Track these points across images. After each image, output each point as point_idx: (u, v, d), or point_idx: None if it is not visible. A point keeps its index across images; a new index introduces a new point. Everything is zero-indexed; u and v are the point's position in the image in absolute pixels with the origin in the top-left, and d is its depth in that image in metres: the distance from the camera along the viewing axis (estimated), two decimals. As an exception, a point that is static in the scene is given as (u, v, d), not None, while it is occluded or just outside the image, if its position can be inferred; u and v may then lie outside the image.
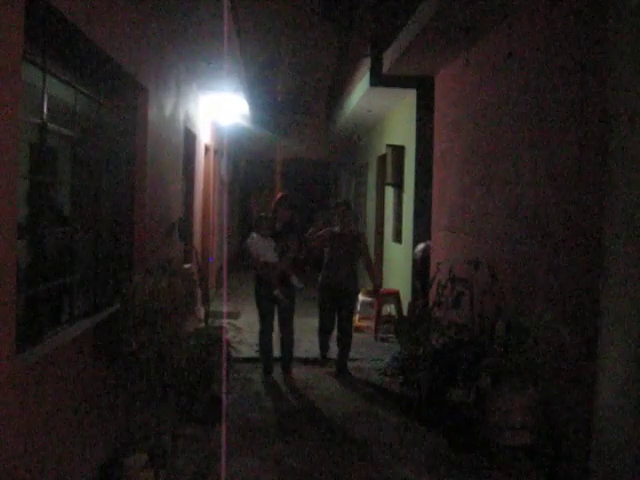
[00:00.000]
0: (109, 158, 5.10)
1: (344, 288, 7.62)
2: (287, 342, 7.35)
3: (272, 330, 7.29)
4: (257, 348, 7.54)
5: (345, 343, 7.64)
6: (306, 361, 7.96)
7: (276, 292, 7.02)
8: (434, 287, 6.38)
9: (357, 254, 7.75)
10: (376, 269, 7.72)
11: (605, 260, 3.85)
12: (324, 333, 7.83)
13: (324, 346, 7.91)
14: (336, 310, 7.67)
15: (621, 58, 3.77)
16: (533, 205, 5.13)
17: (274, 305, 7.17)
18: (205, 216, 10.79)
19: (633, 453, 3.79)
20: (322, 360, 7.91)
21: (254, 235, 7.17)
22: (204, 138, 10.13)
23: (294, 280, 7.11)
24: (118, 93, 5.27)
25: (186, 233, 8.25)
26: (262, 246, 7.09)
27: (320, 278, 7.76)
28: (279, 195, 7.65)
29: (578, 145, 4.40)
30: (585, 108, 4.32)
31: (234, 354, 6.14)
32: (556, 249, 4.70)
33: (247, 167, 19.64)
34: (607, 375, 3.85)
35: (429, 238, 8.61)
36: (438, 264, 6.75)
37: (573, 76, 4.51)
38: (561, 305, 4.57)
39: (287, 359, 7.40)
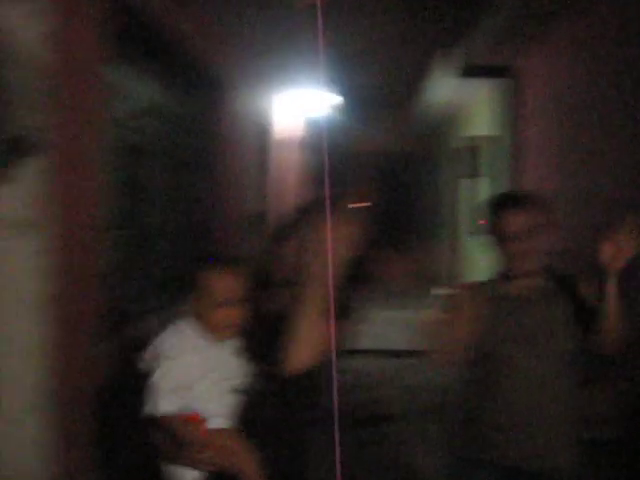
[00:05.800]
0: (190, 155, 5.18)
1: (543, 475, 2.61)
2: None
3: None
4: None
5: None
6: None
7: None
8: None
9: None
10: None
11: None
12: None
13: None
14: None
15: None
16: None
17: None
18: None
19: None
20: None
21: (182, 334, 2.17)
22: (286, 132, 10.17)
23: None
24: (198, 89, 5.34)
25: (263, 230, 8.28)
26: (195, 370, 2.12)
27: (450, 445, 2.85)
28: (307, 201, 2.69)
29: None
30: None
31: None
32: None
33: (333, 161, 19.71)
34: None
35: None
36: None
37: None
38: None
39: None
